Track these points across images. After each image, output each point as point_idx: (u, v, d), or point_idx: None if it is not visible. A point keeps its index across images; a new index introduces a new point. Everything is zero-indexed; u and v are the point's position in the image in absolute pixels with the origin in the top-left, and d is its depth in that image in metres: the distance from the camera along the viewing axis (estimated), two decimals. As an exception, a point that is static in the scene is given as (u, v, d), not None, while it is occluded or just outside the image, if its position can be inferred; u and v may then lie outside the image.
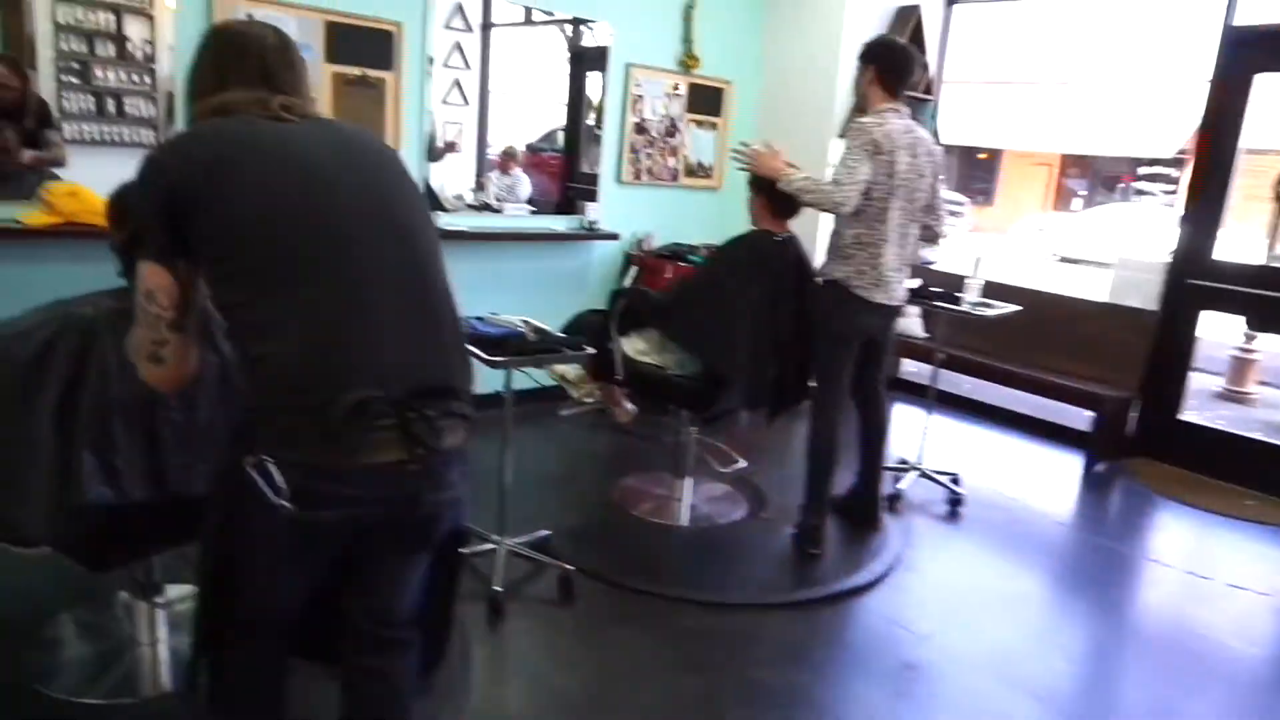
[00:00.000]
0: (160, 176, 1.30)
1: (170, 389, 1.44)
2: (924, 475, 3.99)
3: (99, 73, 3.16)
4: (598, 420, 4.39)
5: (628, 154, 4.77)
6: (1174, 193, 16.25)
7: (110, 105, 3.20)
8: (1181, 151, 14.75)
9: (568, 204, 4.74)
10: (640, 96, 4.75)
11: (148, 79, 3.26)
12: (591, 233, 4.59)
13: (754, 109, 5.25)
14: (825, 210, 2.95)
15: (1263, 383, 6.69)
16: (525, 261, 4.51)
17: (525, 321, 2.78)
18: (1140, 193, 19.34)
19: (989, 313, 3.73)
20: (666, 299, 3.14)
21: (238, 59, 1.42)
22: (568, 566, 2.86)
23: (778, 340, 3.10)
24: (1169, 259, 4.51)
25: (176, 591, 2.48)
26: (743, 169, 3.13)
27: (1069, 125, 17.47)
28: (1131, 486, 4.34)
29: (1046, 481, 4.41)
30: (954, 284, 4.03)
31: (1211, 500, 4.13)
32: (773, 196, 3.08)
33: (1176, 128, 14.71)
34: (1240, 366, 6.49)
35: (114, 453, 1.76)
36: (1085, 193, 21.48)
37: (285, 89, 1.45)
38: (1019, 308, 3.86)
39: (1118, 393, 4.43)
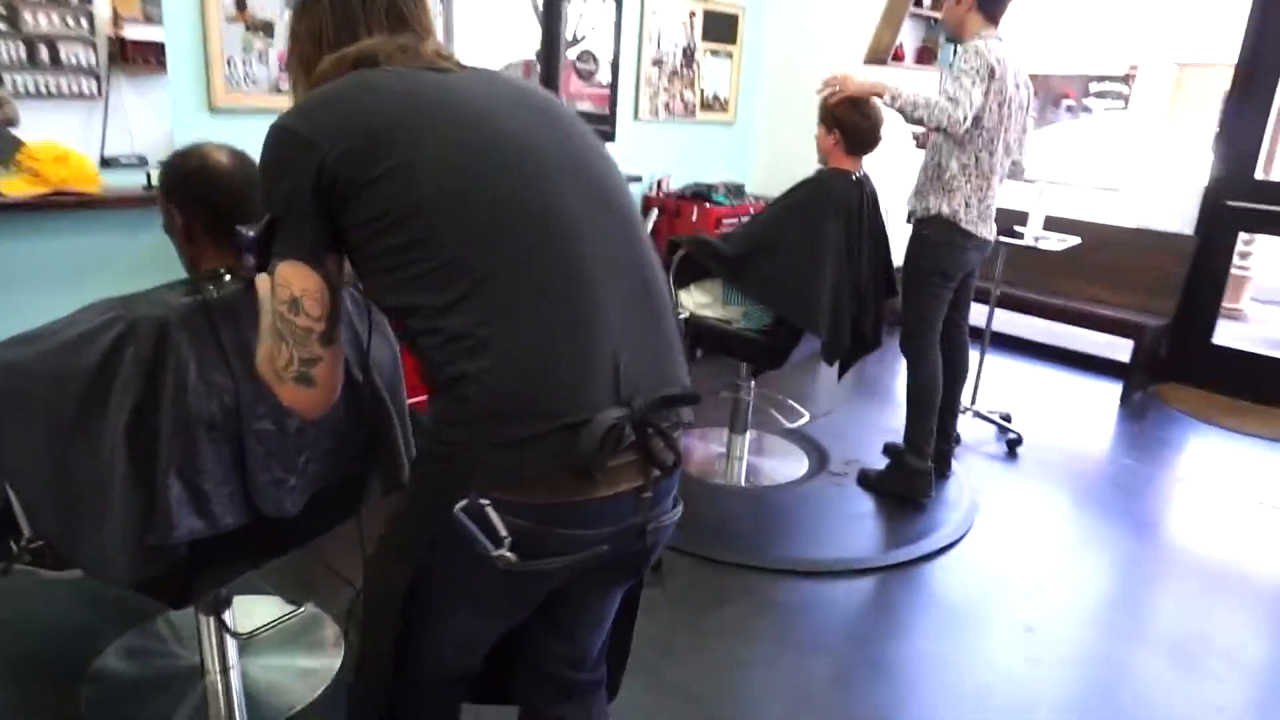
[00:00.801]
0: (305, 151, 0.99)
1: (315, 414, 1.14)
2: (977, 415, 3.86)
3: (29, 17, 2.75)
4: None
5: (645, 88, 4.43)
6: (1124, 108, 16.36)
7: (44, 53, 2.80)
8: (1132, 67, 14.80)
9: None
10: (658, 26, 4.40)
11: (85, 22, 2.85)
12: (612, 175, 4.24)
13: (768, 36, 4.93)
14: (938, 128, 2.71)
15: (1255, 300, 6.73)
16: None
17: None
18: (1086, 110, 19.35)
19: (1055, 246, 3.55)
20: (734, 248, 2.86)
21: None
22: (653, 545, 2.65)
23: (857, 286, 2.88)
24: (1207, 181, 4.37)
25: (248, 607, 2.21)
26: (830, 99, 2.81)
27: (1024, 42, 17.30)
28: (1168, 413, 4.29)
29: (1092, 414, 4.31)
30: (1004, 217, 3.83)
31: (1247, 422, 4.12)
32: (847, 131, 2.82)
33: (1128, 44, 14.70)
34: (1234, 284, 6.49)
35: (201, 476, 1.47)
36: (1035, 113, 21.40)
37: (422, 32, 1.14)
38: (1078, 240, 3.69)
39: (1156, 320, 4.33)
